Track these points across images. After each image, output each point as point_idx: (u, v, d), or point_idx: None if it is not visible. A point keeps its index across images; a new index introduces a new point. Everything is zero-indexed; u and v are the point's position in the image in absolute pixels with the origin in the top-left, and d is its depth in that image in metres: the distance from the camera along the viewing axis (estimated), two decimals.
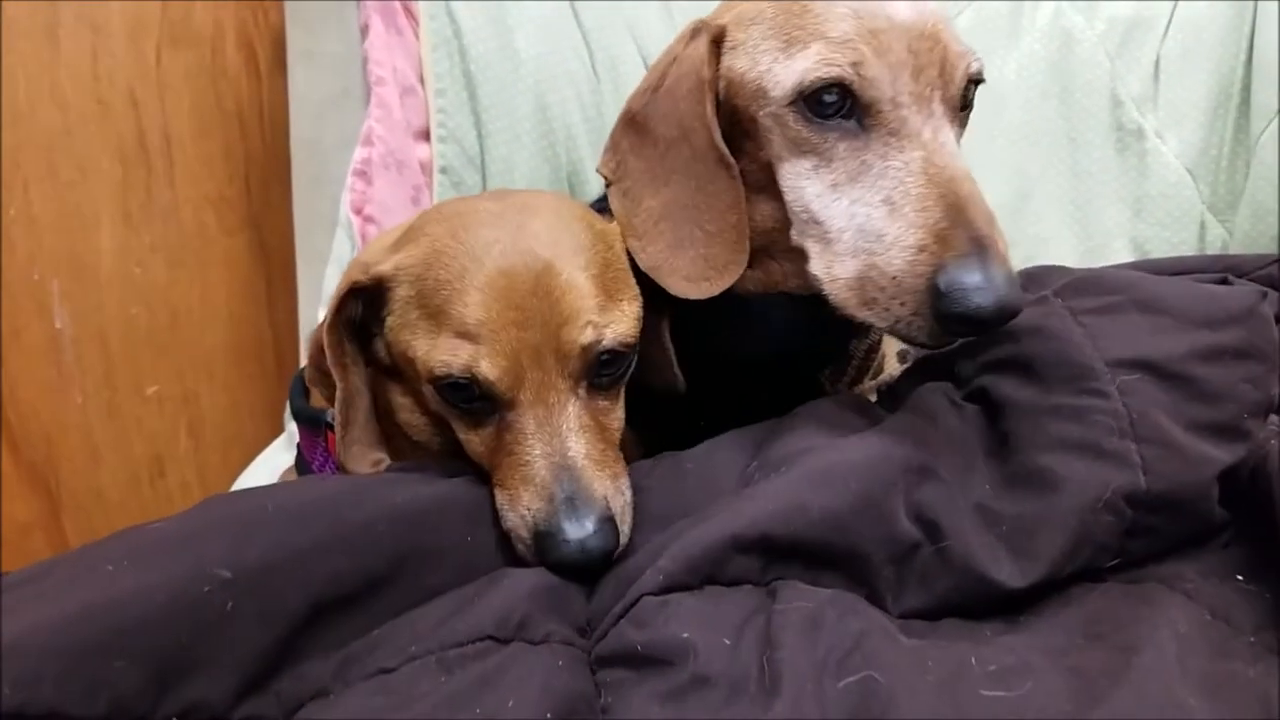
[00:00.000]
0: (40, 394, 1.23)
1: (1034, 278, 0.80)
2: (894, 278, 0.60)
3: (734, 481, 0.59)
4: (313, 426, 0.75)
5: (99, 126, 1.24)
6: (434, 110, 1.15)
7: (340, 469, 0.69)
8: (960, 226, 0.59)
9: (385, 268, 0.64)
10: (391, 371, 0.70)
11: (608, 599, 0.51)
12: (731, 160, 0.68)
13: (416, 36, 1.16)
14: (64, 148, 1.22)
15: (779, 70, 0.64)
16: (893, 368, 0.77)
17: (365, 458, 0.68)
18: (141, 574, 0.47)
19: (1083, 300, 0.65)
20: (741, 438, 0.65)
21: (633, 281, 0.68)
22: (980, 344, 0.68)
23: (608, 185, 0.73)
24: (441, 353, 0.60)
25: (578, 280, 0.61)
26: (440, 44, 1.14)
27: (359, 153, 1.13)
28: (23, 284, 1.20)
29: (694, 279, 0.67)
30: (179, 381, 1.33)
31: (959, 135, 0.67)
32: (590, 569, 0.56)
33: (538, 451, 0.58)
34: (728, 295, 0.69)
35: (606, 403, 0.64)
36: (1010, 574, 0.54)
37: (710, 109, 0.68)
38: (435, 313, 0.61)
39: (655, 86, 0.71)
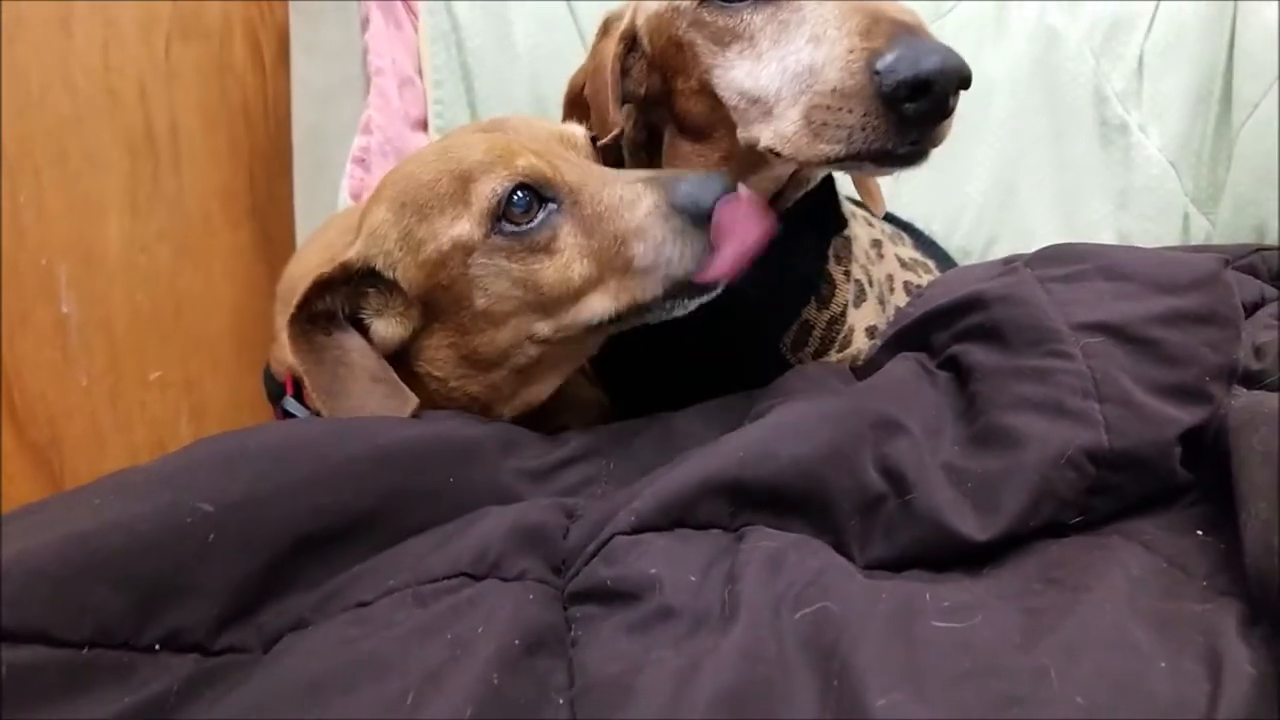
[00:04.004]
0: (46, 377, 1.25)
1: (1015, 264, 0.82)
2: (833, 90, 0.57)
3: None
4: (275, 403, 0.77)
5: (109, 117, 1.27)
6: (431, 102, 1.18)
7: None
8: (881, 21, 0.57)
9: (353, 251, 0.65)
10: (407, 346, 0.69)
11: (582, 539, 0.52)
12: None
13: (415, 30, 1.19)
14: (74, 136, 1.25)
15: None
16: (861, 342, 0.78)
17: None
18: (126, 506, 0.49)
19: (1050, 269, 0.67)
20: (732, 401, 0.67)
21: None
22: (951, 315, 0.70)
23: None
24: (479, 194, 0.63)
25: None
26: (438, 38, 1.18)
27: (358, 141, 1.16)
28: (31, 269, 1.22)
29: None
30: (182, 368, 1.35)
31: None
32: None
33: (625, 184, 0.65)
34: None
35: None
36: (973, 527, 0.56)
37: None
38: (438, 200, 0.65)
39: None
